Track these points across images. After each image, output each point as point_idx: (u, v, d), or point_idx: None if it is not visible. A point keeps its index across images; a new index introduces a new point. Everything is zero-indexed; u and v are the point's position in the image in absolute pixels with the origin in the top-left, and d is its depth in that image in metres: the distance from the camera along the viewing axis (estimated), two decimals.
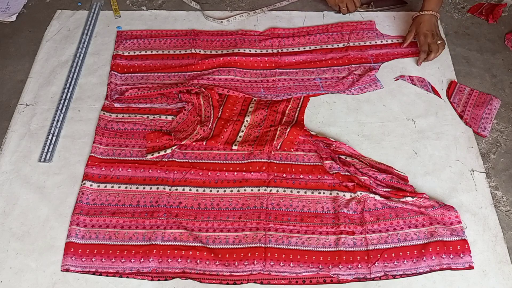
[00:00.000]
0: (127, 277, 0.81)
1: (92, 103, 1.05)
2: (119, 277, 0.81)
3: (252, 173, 0.92)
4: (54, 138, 0.98)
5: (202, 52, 1.14)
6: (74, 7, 1.25)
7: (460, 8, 1.27)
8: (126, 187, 0.91)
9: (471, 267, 0.82)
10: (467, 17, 1.25)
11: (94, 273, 0.81)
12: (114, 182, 0.92)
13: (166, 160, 0.94)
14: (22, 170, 0.94)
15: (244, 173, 0.93)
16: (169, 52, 1.14)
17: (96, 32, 1.19)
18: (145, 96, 1.04)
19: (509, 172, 0.96)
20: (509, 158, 0.98)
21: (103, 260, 0.82)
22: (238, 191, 0.91)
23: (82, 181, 0.91)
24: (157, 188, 0.91)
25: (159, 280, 0.81)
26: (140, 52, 1.13)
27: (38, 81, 1.08)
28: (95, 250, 0.83)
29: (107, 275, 0.81)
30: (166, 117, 1.01)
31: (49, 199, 0.90)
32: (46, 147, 0.96)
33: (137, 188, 0.91)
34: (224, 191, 0.91)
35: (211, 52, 1.14)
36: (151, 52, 1.14)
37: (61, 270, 0.82)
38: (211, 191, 0.91)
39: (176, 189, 0.91)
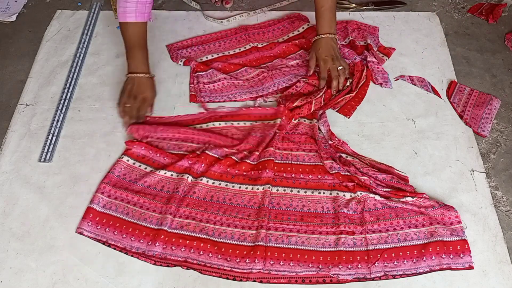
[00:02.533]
0: (132, 256, 0.83)
1: (92, 103, 1.05)
2: (125, 253, 0.83)
3: (267, 170, 0.92)
4: (54, 138, 0.98)
5: (260, 45, 1.16)
6: (74, 7, 1.25)
7: (460, 8, 1.27)
8: (157, 171, 0.93)
9: (471, 267, 0.82)
10: (467, 17, 1.25)
11: (103, 243, 0.84)
12: (148, 164, 0.94)
13: (199, 152, 0.95)
14: (22, 170, 0.94)
15: (260, 171, 0.93)
16: (229, 53, 1.15)
17: (96, 32, 1.19)
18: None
19: (509, 172, 0.96)
20: (509, 158, 0.98)
21: (115, 233, 0.85)
22: (252, 189, 0.91)
23: (121, 155, 0.94)
24: (182, 176, 0.92)
25: (161, 265, 0.82)
26: (201, 59, 1.13)
27: (38, 81, 1.08)
28: (111, 222, 0.86)
29: (114, 248, 0.84)
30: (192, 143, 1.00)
31: (49, 199, 0.90)
32: (46, 147, 0.96)
33: (165, 173, 0.93)
34: (240, 187, 0.92)
35: (263, 45, 1.17)
36: (212, 56, 1.14)
37: (75, 232, 0.85)
38: (226, 185, 0.92)
39: (195, 179, 0.92)
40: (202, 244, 0.84)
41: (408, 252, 0.83)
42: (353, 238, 0.85)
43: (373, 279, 0.81)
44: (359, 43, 1.15)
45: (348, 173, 0.92)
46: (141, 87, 0.99)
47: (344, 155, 0.96)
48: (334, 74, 1.03)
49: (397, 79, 1.10)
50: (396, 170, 0.94)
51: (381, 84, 1.08)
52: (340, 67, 1.03)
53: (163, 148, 0.97)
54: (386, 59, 1.13)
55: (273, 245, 0.84)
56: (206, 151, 0.95)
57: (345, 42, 1.16)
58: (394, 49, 1.15)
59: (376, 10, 1.25)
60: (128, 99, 0.99)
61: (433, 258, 0.82)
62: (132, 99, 0.99)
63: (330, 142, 0.97)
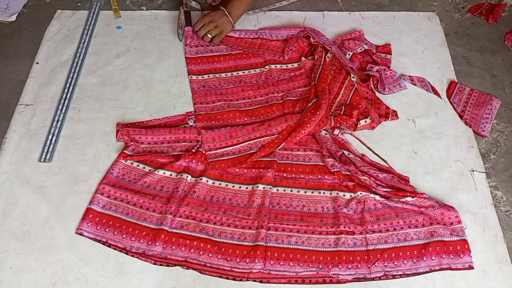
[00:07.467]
0: (132, 256, 0.83)
1: (92, 103, 1.05)
2: (125, 253, 0.84)
3: (269, 170, 0.92)
4: (54, 138, 0.98)
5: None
6: (74, 7, 1.25)
7: (460, 8, 1.27)
8: (156, 171, 0.93)
9: (471, 267, 0.82)
10: (467, 17, 1.25)
11: (104, 243, 0.84)
12: (146, 164, 0.94)
13: (195, 150, 0.95)
14: (22, 170, 0.94)
15: (261, 170, 0.93)
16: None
17: (96, 32, 1.19)
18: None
19: (509, 172, 0.96)
20: (509, 158, 0.98)
21: (115, 233, 0.85)
22: (252, 188, 0.91)
23: (118, 157, 0.94)
24: (181, 175, 0.92)
25: (161, 265, 0.82)
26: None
27: (38, 81, 1.08)
28: (111, 222, 0.87)
29: (114, 248, 0.84)
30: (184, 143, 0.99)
31: (49, 199, 0.90)
32: (46, 147, 0.96)
33: (164, 173, 0.93)
34: (240, 187, 0.92)
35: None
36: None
37: (75, 233, 0.85)
38: (226, 185, 0.92)
39: (195, 179, 0.92)
40: (202, 244, 0.84)
41: (408, 252, 0.83)
42: (353, 238, 0.85)
43: (373, 279, 0.81)
44: (357, 51, 1.12)
45: (348, 173, 0.92)
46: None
47: (346, 152, 0.96)
48: (200, 33, 1.10)
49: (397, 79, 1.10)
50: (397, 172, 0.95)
51: (393, 91, 1.06)
52: (210, 35, 1.10)
53: (157, 152, 0.97)
54: (390, 57, 1.12)
55: (273, 245, 0.84)
56: (201, 150, 0.95)
57: (348, 56, 1.12)
58: (389, 44, 1.15)
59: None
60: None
61: (433, 258, 0.83)
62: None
63: (335, 133, 0.98)
